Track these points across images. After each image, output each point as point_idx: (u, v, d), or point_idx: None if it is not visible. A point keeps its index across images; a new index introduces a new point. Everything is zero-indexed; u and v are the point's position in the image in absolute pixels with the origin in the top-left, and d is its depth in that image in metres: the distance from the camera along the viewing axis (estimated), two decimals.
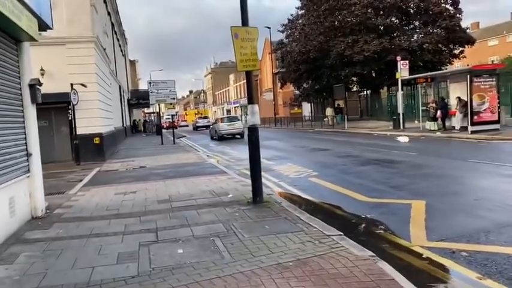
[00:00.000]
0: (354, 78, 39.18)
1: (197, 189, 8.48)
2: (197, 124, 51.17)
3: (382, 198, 7.08)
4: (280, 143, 20.79)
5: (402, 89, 32.45)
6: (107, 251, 4.68)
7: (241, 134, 26.33)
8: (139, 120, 53.93)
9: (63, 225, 5.94)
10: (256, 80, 65.99)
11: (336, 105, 35.50)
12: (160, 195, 8.02)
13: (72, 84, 15.18)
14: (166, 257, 4.38)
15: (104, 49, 19.47)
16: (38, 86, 6.48)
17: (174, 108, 27.27)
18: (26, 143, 6.20)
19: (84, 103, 15.72)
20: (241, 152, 17.46)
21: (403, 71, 22.46)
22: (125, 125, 34.27)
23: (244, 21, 6.39)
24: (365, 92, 41.05)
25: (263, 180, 9.83)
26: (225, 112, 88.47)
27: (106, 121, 18.14)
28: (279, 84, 50.84)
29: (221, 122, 28.66)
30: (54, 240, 5.23)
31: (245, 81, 7.38)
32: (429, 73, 22.29)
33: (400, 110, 22.75)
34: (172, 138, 29.25)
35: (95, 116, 16.15)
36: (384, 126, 26.15)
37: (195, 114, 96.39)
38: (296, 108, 51.24)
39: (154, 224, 5.81)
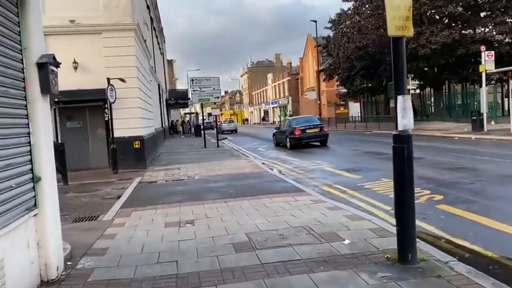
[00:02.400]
0: (411, 75, 35.72)
1: (281, 221, 5.85)
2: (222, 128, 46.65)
3: None
4: (342, 148, 17.92)
5: (473, 86, 28.76)
6: None
7: (236, 130, 44.90)
8: (177, 120, 52.30)
9: None
10: (297, 79, 63.16)
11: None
12: (232, 232, 5.44)
13: (109, 79, 12.99)
14: None
15: (145, 40, 17.31)
16: (52, 67, 4.05)
17: (219, 108, 24.85)
18: (31, 161, 3.75)
19: (122, 101, 13.52)
20: (302, 159, 14.69)
21: (487, 63, 19.05)
22: (164, 126, 32.36)
23: None
24: (418, 90, 37.34)
25: (359, 203, 7.13)
26: (262, 113, 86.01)
27: (147, 122, 15.94)
28: (323, 83, 47.79)
29: (223, 123, 45.38)
30: None
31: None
32: None
33: (485, 109, 19.36)
34: (214, 140, 27.08)
35: (135, 117, 13.93)
36: (455, 128, 22.74)
37: (231, 115, 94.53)
38: (342, 108, 47.91)
39: None
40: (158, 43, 37.32)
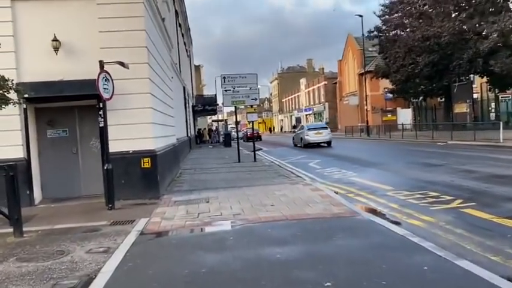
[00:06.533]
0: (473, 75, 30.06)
1: None
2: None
3: None
4: (444, 168, 12.74)
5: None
6: None
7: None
8: (204, 129, 48.05)
9: None
10: (335, 83, 57.90)
11: None
12: None
13: (102, 63, 8.43)
14: None
15: (163, 19, 12.77)
16: None
17: (255, 111, 20.12)
18: None
19: (124, 98, 8.99)
20: (392, 185, 9.60)
21: None
22: (189, 135, 27.94)
23: None
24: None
25: None
26: (294, 120, 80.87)
27: (163, 130, 11.33)
28: (367, 87, 42.37)
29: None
30: None
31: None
32: None
33: None
34: (248, 152, 22.50)
35: (144, 121, 9.32)
36: None
37: (259, 123, 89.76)
38: (390, 115, 42.30)
39: None
40: (185, 43, 33.19)
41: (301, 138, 26.92)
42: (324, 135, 25.97)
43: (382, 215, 6.81)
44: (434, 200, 7.70)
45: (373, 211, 7.17)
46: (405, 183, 9.96)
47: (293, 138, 30.32)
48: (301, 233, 5.76)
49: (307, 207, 7.58)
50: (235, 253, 5.04)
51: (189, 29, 39.77)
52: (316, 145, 25.91)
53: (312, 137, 25.90)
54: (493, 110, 33.39)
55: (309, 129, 27.00)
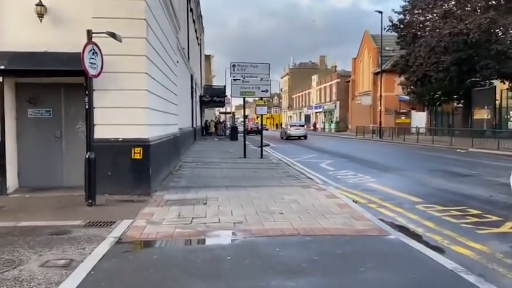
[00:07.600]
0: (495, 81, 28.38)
1: None
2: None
3: None
4: (480, 181, 11.33)
5: None
6: None
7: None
8: (212, 121, 46.81)
9: None
10: (348, 81, 56.27)
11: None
12: None
13: (90, 33, 7.15)
14: None
15: None
16: None
17: (265, 104, 18.76)
18: None
19: (115, 77, 7.73)
20: (412, 189, 8.18)
21: None
22: (195, 126, 26.70)
23: None
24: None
25: None
26: (303, 117, 79.26)
27: (161, 117, 10.05)
28: (382, 87, 40.69)
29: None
30: None
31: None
32: None
33: None
34: (254, 147, 21.34)
35: (137, 106, 8.05)
36: None
37: (267, 118, 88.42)
38: (403, 117, 40.65)
39: None
40: (195, 30, 31.92)
41: (285, 132, 36.34)
42: (301, 131, 35.87)
43: (417, 236, 5.48)
44: (477, 220, 6.35)
45: (405, 230, 5.85)
46: (435, 194, 8.59)
47: (281, 133, 39.47)
48: (319, 257, 4.47)
49: (323, 219, 6.29)
50: (232, 284, 3.76)
51: (201, 15, 38.44)
52: (297, 138, 34.35)
53: (292, 131, 35.55)
54: (511, 119, 31.83)
55: (290, 125, 38.47)
